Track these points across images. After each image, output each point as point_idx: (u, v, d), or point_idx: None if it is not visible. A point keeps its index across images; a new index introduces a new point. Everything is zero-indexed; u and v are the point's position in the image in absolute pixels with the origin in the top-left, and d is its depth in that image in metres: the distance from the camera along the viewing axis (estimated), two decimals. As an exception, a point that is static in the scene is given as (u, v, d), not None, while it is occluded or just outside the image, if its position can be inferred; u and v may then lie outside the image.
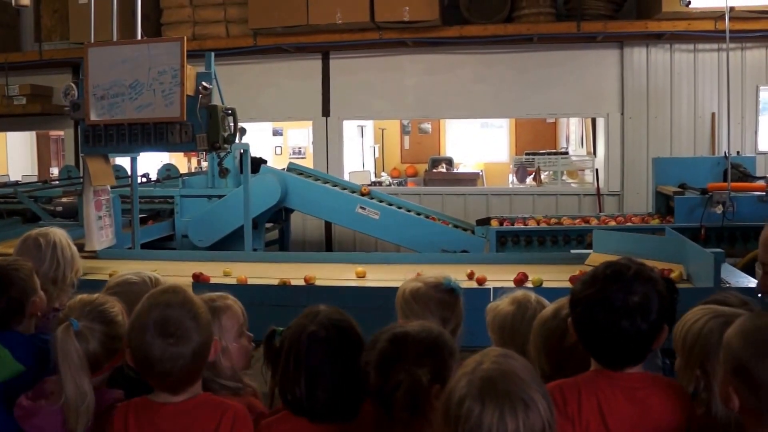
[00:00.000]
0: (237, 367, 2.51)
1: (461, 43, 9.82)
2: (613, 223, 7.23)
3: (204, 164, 11.29)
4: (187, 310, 2.18)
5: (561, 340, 2.35)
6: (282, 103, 10.60)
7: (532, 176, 11.41)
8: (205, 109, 5.19)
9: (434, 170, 14.26)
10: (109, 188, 5.77)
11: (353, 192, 8.28)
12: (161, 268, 4.35)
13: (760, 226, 6.54)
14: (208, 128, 5.18)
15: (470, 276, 4.47)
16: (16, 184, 9.26)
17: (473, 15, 9.47)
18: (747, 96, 9.52)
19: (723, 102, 9.02)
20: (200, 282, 4.37)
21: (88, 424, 2.23)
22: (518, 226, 7.35)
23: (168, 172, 8.91)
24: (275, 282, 4.40)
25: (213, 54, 5.60)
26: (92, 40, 5.73)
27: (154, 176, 8.96)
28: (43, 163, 15.46)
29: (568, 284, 4.34)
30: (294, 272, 4.77)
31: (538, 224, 7.40)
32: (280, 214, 8.87)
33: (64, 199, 7.52)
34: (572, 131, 13.84)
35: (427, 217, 8.04)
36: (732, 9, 7.48)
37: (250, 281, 4.53)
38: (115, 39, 5.86)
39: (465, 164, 15.07)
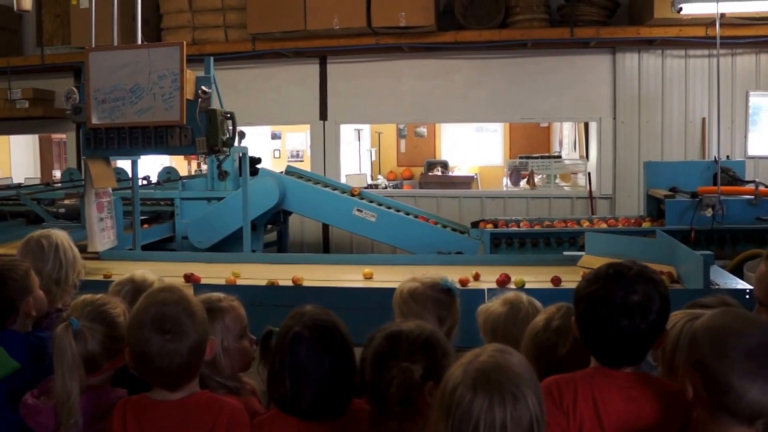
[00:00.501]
0: (236, 368, 2.52)
1: (456, 49, 9.84)
2: (605, 226, 7.25)
3: (203, 167, 11.25)
4: (183, 308, 2.20)
5: (553, 351, 2.36)
6: (280, 107, 10.60)
7: (525, 179, 11.42)
8: (205, 113, 5.20)
9: (430, 173, 14.29)
10: (110, 190, 5.76)
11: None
12: (161, 269, 4.36)
13: (749, 229, 6.65)
14: (207, 132, 5.19)
15: (463, 282, 4.46)
16: (19, 186, 9.23)
17: (468, 21, 9.48)
18: (737, 101, 9.54)
19: (713, 107, 9.05)
20: (191, 282, 4.40)
21: (75, 423, 2.23)
22: (512, 228, 7.36)
23: (168, 175, 8.88)
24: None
25: (212, 58, 5.60)
26: (93, 45, 5.72)
27: (154, 179, 8.94)
28: (45, 165, 15.43)
29: (551, 285, 4.36)
30: (292, 273, 4.78)
31: (532, 227, 7.41)
32: (278, 216, 8.88)
33: (67, 201, 7.52)
34: (565, 135, 13.87)
35: (416, 216, 8.04)
36: (723, 15, 7.49)
37: (248, 282, 4.54)
38: (115, 43, 5.86)
39: (460, 167, 15.11)
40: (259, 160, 8.45)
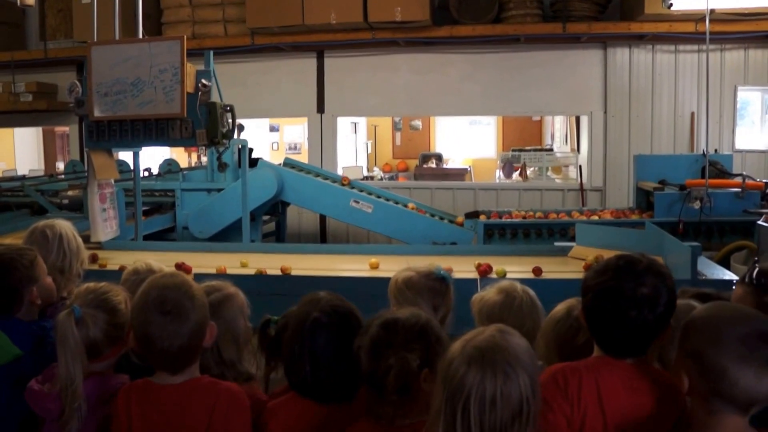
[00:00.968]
0: (241, 353, 2.52)
1: (451, 43, 9.82)
2: (595, 218, 7.27)
3: (204, 159, 11.25)
4: (184, 291, 2.22)
5: (573, 338, 2.37)
6: (278, 101, 10.59)
7: (518, 172, 11.44)
8: (205, 106, 5.19)
9: (424, 166, 14.29)
10: (112, 182, 5.77)
11: (360, 190, 8.28)
12: (163, 258, 4.36)
13: (736, 221, 6.68)
14: (207, 124, 5.19)
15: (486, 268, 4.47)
16: (24, 178, 9.21)
17: (463, 16, 9.47)
18: (725, 96, 9.55)
19: (702, 101, 9.06)
20: (182, 271, 4.41)
21: (80, 408, 2.25)
22: (505, 219, 7.37)
23: (169, 167, 8.87)
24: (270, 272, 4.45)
25: (212, 52, 5.59)
26: (95, 39, 5.72)
27: (155, 170, 8.93)
28: (49, 157, 15.40)
29: (532, 275, 4.37)
30: (289, 262, 4.80)
31: (524, 218, 7.42)
32: (276, 207, 8.88)
33: (70, 193, 7.51)
34: (557, 129, 13.88)
35: (405, 206, 8.05)
36: (712, 11, 7.49)
37: (246, 271, 4.55)
38: (117, 38, 5.85)
39: (454, 160, 15.12)
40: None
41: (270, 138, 15.45)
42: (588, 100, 9.87)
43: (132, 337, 2.24)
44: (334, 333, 2.19)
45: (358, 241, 9.60)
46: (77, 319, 2.30)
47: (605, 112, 9.81)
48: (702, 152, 7.56)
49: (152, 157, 10.20)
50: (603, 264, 2.23)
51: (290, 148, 15.20)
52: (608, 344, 2.18)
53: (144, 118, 5.19)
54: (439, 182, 11.36)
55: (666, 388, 2.14)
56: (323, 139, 10.56)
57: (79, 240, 3.28)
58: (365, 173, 13.41)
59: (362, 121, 14.74)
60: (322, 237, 10.53)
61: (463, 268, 4.44)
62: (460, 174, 13.74)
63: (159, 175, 8.64)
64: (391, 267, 4.44)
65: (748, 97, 9.85)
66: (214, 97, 5.31)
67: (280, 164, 8.58)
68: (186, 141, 5.32)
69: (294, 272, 4.53)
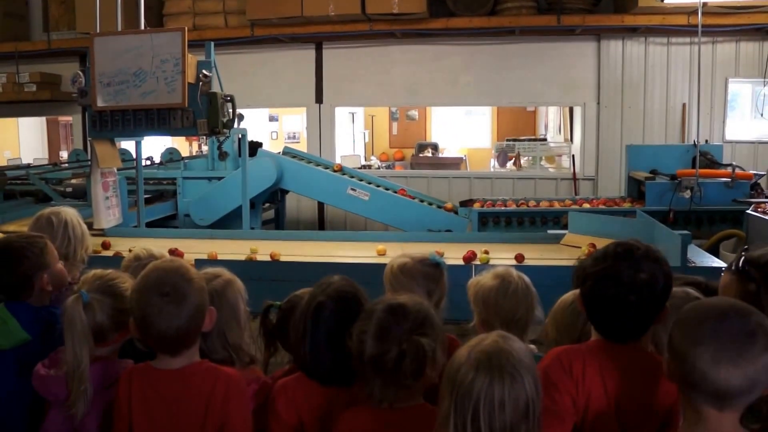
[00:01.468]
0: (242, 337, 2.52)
1: (447, 35, 9.81)
2: (587, 206, 7.28)
3: (204, 148, 11.24)
4: (182, 274, 2.21)
5: (585, 323, 2.38)
6: (277, 91, 10.59)
7: (512, 161, 11.44)
8: (206, 96, 5.20)
9: (420, 155, 14.29)
10: (115, 170, 5.77)
11: (351, 177, 8.29)
12: (165, 245, 4.37)
13: (725, 210, 6.70)
14: (208, 114, 5.20)
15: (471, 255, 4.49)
16: (28, 166, 9.21)
17: (459, 8, 9.46)
18: (716, 88, 9.56)
19: (693, 93, 9.07)
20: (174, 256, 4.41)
21: (86, 391, 2.25)
22: (499, 207, 7.38)
23: (170, 156, 8.87)
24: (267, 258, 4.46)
25: (213, 44, 5.59)
26: (98, 30, 5.71)
27: (157, 159, 8.93)
28: (53, 146, 15.39)
29: (514, 261, 4.38)
30: (288, 249, 4.81)
31: (518, 206, 7.44)
32: (275, 195, 8.89)
33: (74, 181, 7.51)
34: (551, 119, 13.87)
35: (395, 191, 8.06)
36: (705, 4, 7.49)
37: (236, 257, 4.55)
38: (119, 29, 5.84)
39: (449, 149, 15.11)
40: (260, 144, 8.46)
41: (269, 127, 15.43)
42: (581, 91, 9.87)
43: (132, 319, 2.24)
44: (337, 317, 2.19)
45: (355, 229, 9.62)
46: (85, 303, 2.30)
47: (598, 103, 9.82)
48: (693, 143, 7.56)
49: (154, 146, 10.19)
50: (602, 251, 2.24)
51: (289, 138, 15.19)
52: (607, 329, 2.19)
53: (146, 107, 5.21)
54: (434, 171, 11.38)
55: (661, 373, 2.15)
56: (321, 129, 10.56)
57: (84, 227, 3.28)
58: (363, 162, 13.41)
59: (360, 111, 14.73)
60: (321, 224, 10.54)
61: (456, 255, 4.46)
62: (455, 163, 13.74)
63: (161, 163, 8.64)
64: (388, 253, 4.47)
65: (739, 89, 9.86)
66: (215, 88, 5.31)
67: (279, 153, 8.58)
68: (187, 130, 5.33)
69: (292, 259, 4.53)
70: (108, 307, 2.36)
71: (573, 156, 10.27)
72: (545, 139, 13.04)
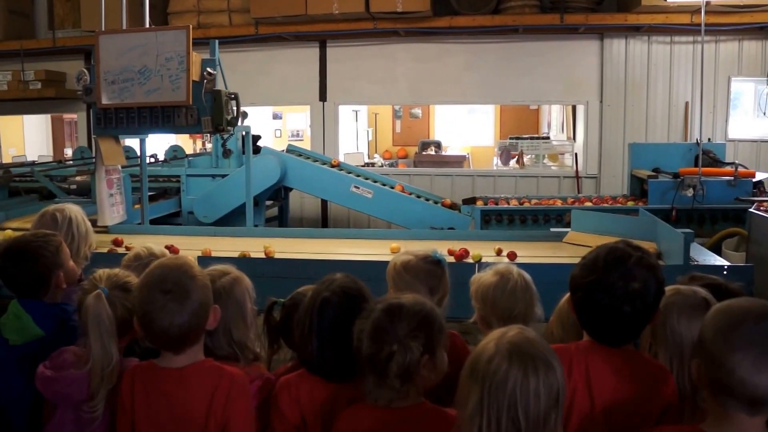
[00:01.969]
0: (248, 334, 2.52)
1: (451, 33, 9.80)
2: (590, 204, 7.27)
3: (208, 145, 11.27)
4: (185, 272, 2.21)
5: None
6: (281, 89, 10.59)
7: (515, 159, 11.41)
8: (210, 94, 5.20)
9: (424, 153, 14.28)
10: (119, 167, 5.77)
11: (348, 173, 8.30)
12: (168, 242, 4.37)
13: (728, 208, 6.69)
14: (212, 112, 5.20)
15: (454, 254, 4.47)
16: (33, 163, 9.22)
17: (462, 6, 9.45)
18: (719, 86, 9.54)
19: (696, 92, 9.07)
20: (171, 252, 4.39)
21: (111, 387, 2.25)
22: (502, 205, 7.37)
23: (175, 153, 8.89)
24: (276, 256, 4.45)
25: (217, 42, 5.58)
26: (103, 28, 5.71)
27: (161, 157, 8.94)
28: (57, 144, 15.41)
29: (505, 259, 4.36)
30: (291, 246, 4.81)
31: (521, 204, 7.43)
32: (279, 192, 8.89)
33: (78, 178, 7.52)
34: (554, 117, 13.86)
35: (391, 187, 8.07)
36: (708, 3, 7.47)
37: (230, 254, 4.52)
38: (124, 27, 5.84)
39: (452, 147, 15.10)
40: (258, 137, 8.46)
41: (273, 125, 15.45)
42: (584, 89, 9.85)
43: (135, 316, 2.23)
44: (341, 313, 2.20)
45: (358, 226, 9.62)
46: (107, 299, 2.31)
47: (601, 102, 9.80)
48: (695, 141, 7.54)
49: (158, 144, 10.20)
50: (591, 260, 2.20)
51: (293, 135, 15.21)
52: (602, 336, 2.18)
53: (150, 105, 5.21)
54: (438, 169, 11.36)
55: (654, 376, 2.14)
56: (325, 127, 10.56)
57: (88, 224, 3.28)
58: (366, 160, 13.41)
59: (363, 109, 14.73)
60: (324, 222, 10.54)
61: (479, 254, 4.44)
62: (458, 161, 13.73)
63: (165, 161, 8.66)
64: (386, 251, 4.46)
65: (742, 87, 9.84)
66: (219, 85, 5.31)
67: (283, 151, 8.58)
68: (191, 128, 5.33)
69: (295, 256, 4.52)
70: (125, 302, 2.36)
71: (576, 154, 10.26)
72: (548, 138, 13.02)
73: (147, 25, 5.92)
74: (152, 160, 8.74)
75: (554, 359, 1.72)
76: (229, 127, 5.33)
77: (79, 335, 2.37)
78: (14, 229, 4.98)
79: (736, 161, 7.20)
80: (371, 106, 14.63)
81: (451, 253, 4.31)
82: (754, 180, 6.84)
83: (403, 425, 2.01)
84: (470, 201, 7.63)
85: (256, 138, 8.08)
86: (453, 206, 7.78)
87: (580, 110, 10.34)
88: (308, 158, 8.47)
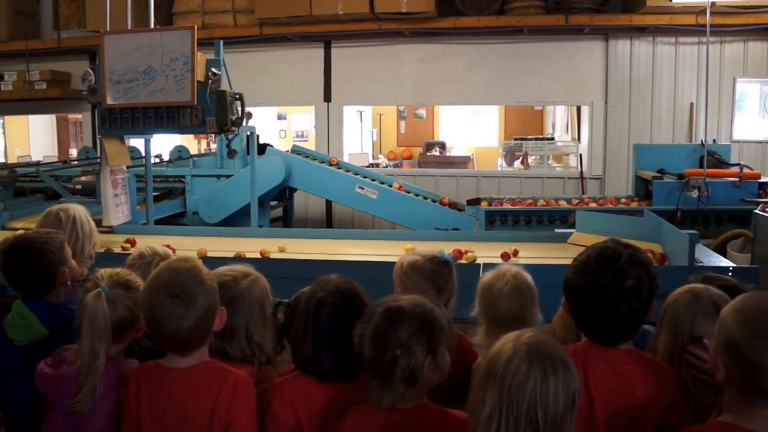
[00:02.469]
0: (260, 337, 2.51)
1: (455, 34, 9.80)
2: (595, 205, 7.25)
3: (213, 146, 11.28)
4: (193, 275, 2.21)
5: None
6: (286, 89, 10.60)
7: (519, 160, 11.41)
8: (215, 94, 5.21)
9: (428, 153, 14.26)
10: (124, 168, 5.78)
11: (349, 171, 8.30)
12: (173, 242, 4.37)
13: (733, 209, 6.67)
14: (217, 112, 5.20)
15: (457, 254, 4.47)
16: (38, 163, 9.24)
17: (467, 7, 9.45)
18: (724, 87, 9.52)
19: (701, 93, 9.02)
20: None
21: (95, 388, 2.26)
22: (506, 206, 7.36)
23: (179, 153, 8.89)
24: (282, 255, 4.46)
25: (222, 42, 5.60)
26: (108, 29, 5.72)
27: (166, 157, 8.95)
28: (62, 144, 15.43)
29: (499, 260, 4.35)
30: (296, 247, 4.81)
31: (525, 205, 7.41)
32: (284, 193, 8.88)
33: (83, 178, 7.54)
34: (558, 118, 13.84)
35: (390, 185, 8.07)
36: (713, 4, 7.46)
37: (225, 254, 4.53)
38: (129, 27, 5.85)
39: (457, 148, 15.08)
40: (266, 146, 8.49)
41: (278, 125, 15.46)
42: (589, 90, 9.85)
43: (143, 317, 2.24)
44: (337, 313, 2.21)
45: (363, 227, 9.62)
46: (106, 299, 2.31)
47: (606, 103, 9.79)
48: (700, 142, 7.53)
49: (163, 144, 10.21)
50: (582, 262, 2.20)
51: (297, 136, 15.22)
52: (600, 337, 2.18)
53: (155, 105, 5.22)
54: (442, 170, 11.35)
55: (655, 374, 2.14)
56: (330, 127, 10.57)
57: (92, 224, 3.29)
58: (370, 160, 13.41)
59: (368, 110, 14.71)
60: (328, 222, 10.54)
61: (473, 254, 4.43)
62: (463, 162, 13.71)
63: (170, 161, 8.67)
64: (396, 252, 4.45)
65: (747, 88, 9.81)
66: (224, 86, 5.32)
67: (287, 151, 8.58)
68: (196, 128, 5.34)
69: (299, 256, 4.52)
70: (128, 301, 2.37)
71: (580, 155, 10.24)
72: (553, 138, 13.00)
73: (152, 26, 5.93)
74: (157, 160, 8.76)
75: (571, 362, 1.72)
76: (233, 128, 5.34)
77: (76, 333, 2.38)
78: (19, 229, 4.99)
79: (742, 162, 7.18)
80: (376, 107, 14.62)
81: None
82: (759, 181, 6.82)
83: (408, 426, 2.00)
84: (475, 202, 7.62)
85: (261, 147, 8.10)
86: (452, 205, 7.79)
87: (585, 111, 10.32)
88: (313, 159, 8.47)
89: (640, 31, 9.45)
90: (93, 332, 2.26)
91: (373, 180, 8.11)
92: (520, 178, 10.25)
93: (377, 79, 10.33)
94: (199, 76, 5.16)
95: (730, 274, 3.67)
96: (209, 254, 4.44)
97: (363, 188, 7.88)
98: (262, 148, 7.99)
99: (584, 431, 2.08)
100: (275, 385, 2.26)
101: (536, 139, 12.16)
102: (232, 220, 7.72)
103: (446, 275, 2.64)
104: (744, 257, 5.73)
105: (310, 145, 10.94)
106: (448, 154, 14.50)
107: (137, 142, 8.24)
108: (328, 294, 2.24)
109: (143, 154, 6.54)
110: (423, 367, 1.96)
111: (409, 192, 8.01)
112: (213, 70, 5.20)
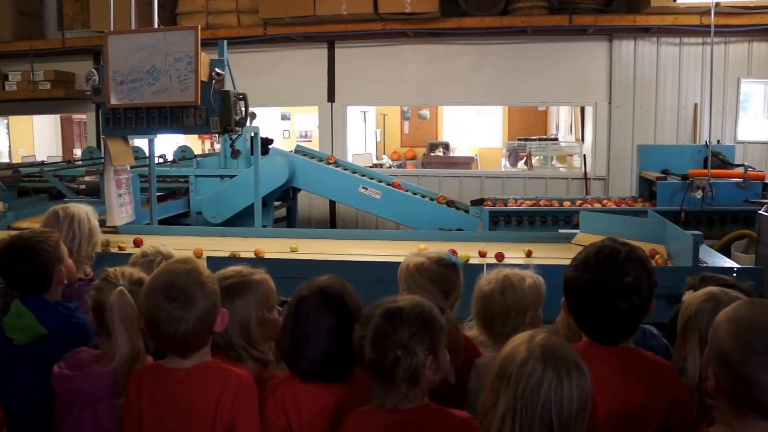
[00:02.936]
0: (268, 338, 2.50)
1: (459, 34, 9.79)
2: (598, 206, 7.24)
3: (217, 146, 11.28)
4: (193, 278, 2.18)
5: None
6: (290, 89, 10.60)
7: (523, 161, 11.41)
8: (218, 94, 5.21)
9: (432, 154, 14.26)
10: (128, 168, 5.78)
11: (338, 167, 8.30)
12: (176, 242, 4.38)
13: (737, 210, 6.66)
14: (221, 112, 5.21)
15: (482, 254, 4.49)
16: (42, 164, 9.26)
17: (471, 7, 9.45)
18: (728, 88, 9.51)
19: (705, 93, 9.03)
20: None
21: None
22: (510, 206, 7.36)
23: (183, 153, 8.91)
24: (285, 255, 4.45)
25: (225, 42, 5.59)
26: (112, 29, 5.72)
27: (170, 157, 8.96)
28: (66, 144, 15.46)
29: (493, 260, 4.34)
30: (300, 247, 4.81)
31: (529, 205, 7.40)
32: (287, 193, 8.89)
33: (87, 178, 7.54)
34: (562, 119, 13.82)
35: (388, 184, 8.07)
36: (717, 4, 7.44)
37: (220, 253, 4.53)
38: (133, 27, 5.86)
39: (461, 149, 15.08)
40: (271, 141, 8.47)
41: (282, 126, 15.46)
42: (593, 90, 9.84)
43: (142, 318, 2.23)
44: (315, 312, 2.19)
45: (367, 227, 9.62)
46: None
47: (610, 103, 9.78)
48: (705, 143, 7.51)
49: (167, 144, 10.22)
50: (581, 260, 2.19)
51: (301, 136, 15.22)
52: (601, 336, 2.18)
53: (159, 105, 5.23)
54: (446, 170, 11.36)
55: (658, 373, 2.14)
56: (333, 128, 10.58)
57: (94, 224, 3.25)
58: (374, 161, 13.41)
59: (372, 110, 14.71)
60: (332, 222, 10.54)
61: (467, 254, 4.43)
62: (466, 162, 13.71)
63: (173, 161, 8.68)
64: (400, 252, 4.45)
65: (751, 89, 9.80)
66: (228, 86, 5.32)
67: (291, 151, 8.59)
68: (200, 128, 5.34)
69: (302, 256, 4.52)
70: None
71: (584, 156, 10.23)
72: (556, 139, 12.98)
73: (156, 26, 5.93)
74: (161, 160, 8.76)
75: (583, 363, 1.71)
76: (237, 128, 5.34)
77: (92, 334, 2.38)
78: (25, 229, 5.00)
79: (746, 163, 7.17)
80: (379, 107, 14.62)
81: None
82: (763, 182, 6.81)
83: (411, 426, 1.99)
84: (478, 202, 7.61)
85: (268, 141, 8.10)
86: (449, 203, 7.79)
87: (589, 111, 10.31)
88: (317, 159, 8.47)
89: (644, 31, 9.44)
90: (127, 329, 2.27)
91: (377, 180, 8.10)
92: (524, 179, 10.25)
93: (381, 80, 10.33)
94: (203, 76, 5.16)
95: (734, 275, 3.65)
96: (211, 254, 4.44)
97: (366, 188, 7.89)
98: (267, 144, 7.99)
99: (585, 431, 2.07)
100: (269, 387, 2.25)
101: (540, 139, 12.16)
102: (235, 221, 7.72)
103: (453, 278, 2.61)
104: (748, 258, 5.72)
105: (313, 146, 10.95)
106: (451, 154, 14.50)
107: (141, 142, 8.26)
108: (311, 293, 2.21)
109: (147, 154, 6.55)
110: (424, 367, 1.95)
111: (407, 191, 8.01)
112: (217, 70, 5.21)
